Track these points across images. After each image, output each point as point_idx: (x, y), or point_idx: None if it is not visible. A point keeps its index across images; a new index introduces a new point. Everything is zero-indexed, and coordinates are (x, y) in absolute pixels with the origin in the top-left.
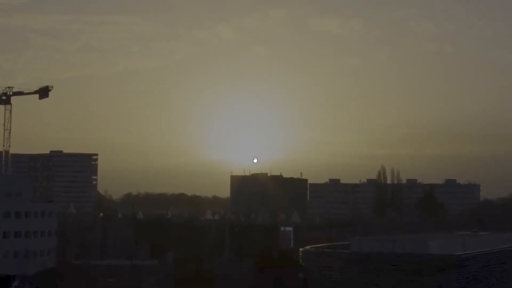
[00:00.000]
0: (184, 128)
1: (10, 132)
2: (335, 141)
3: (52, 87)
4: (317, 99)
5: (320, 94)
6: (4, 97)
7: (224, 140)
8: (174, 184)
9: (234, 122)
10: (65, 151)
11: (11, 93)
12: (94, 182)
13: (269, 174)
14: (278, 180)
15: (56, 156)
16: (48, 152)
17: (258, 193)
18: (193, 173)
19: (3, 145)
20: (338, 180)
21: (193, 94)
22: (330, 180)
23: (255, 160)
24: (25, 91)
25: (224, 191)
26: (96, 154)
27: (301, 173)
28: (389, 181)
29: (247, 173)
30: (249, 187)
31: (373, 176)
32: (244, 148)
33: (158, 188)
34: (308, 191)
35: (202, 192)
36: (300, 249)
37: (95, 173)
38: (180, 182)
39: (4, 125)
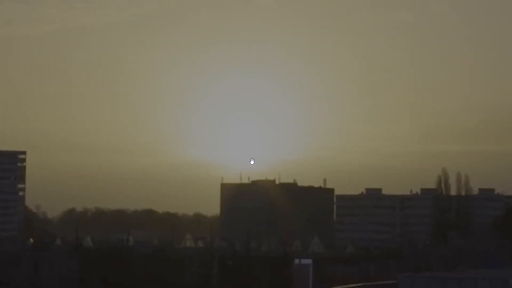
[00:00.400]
0: (152, 116)
1: None
2: (373, 133)
3: None
4: (347, 72)
5: (351, 65)
6: None
7: (210, 132)
8: (138, 196)
9: (225, 105)
10: None
11: None
12: (20, 193)
13: (277, 182)
14: (291, 190)
15: None
16: None
17: (261, 209)
18: (165, 180)
19: None
20: (379, 190)
21: (165, 65)
22: (368, 190)
23: (252, 162)
24: None
25: (211, 207)
26: (24, 152)
27: (325, 180)
28: (453, 192)
29: (244, 180)
30: (248, 201)
31: (431, 184)
32: (241, 144)
33: (114, 202)
34: (335, 206)
35: (180, 208)
36: None
37: (22, 179)
38: (147, 193)
39: None
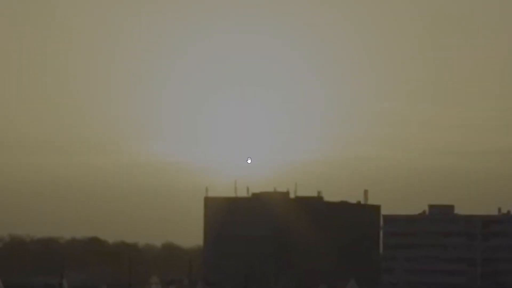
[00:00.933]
0: (96, 98)
1: None
2: (441, 119)
3: None
4: (401, 27)
5: (408, 16)
6: None
7: (189, 120)
8: (76, 217)
9: (210, 81)
10: None
11: None
12: None
13: (292, 195)
14: (313, 208)
15: None
16: None
17: (267, 237)
18: (119, 193)
19: None
20: (450, 208)
21: (117, 16)
22: (432, 208)
23: (249, 161)
24: None
25: (190, 233)
26: None
27: (366, 193)
28: None
29: (241, 193)
30: (246, 224)
31: None
32: (234, 138)
33: (41, 227)
34: (381, 233)
35: (141, 236)
36: None
37: None
38: (90, 213)
39: None
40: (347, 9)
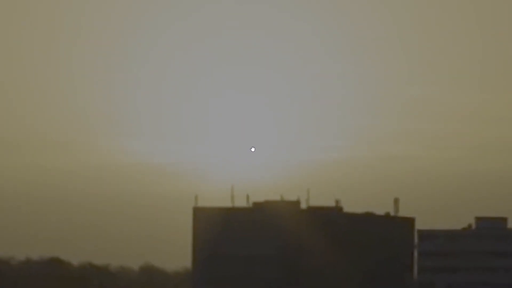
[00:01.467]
0: (60, 82)
1: None
2: (489, 111)
3: None
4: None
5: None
6: None
7: (176, 114)
8: (31, 234)
9: (201, 63)
10: None
11: None
12: None
13: (304, 205)
14: (331, 221)
15: None
16: None
17: (273, 256)
18: (86, 202)
19: None
20: (503, 220)
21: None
22: (481, 220)
23: (253, 149)
24: None
25: (175, 253)
26: None
27: (396, 202)
28: None
29: (240, 202)
30: (246, 240)
31: None
32: (231, 133)
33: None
34: (416, 251)
35: (114, 257)
36: None
37: None
38: (48, 229)
39: None
40: None
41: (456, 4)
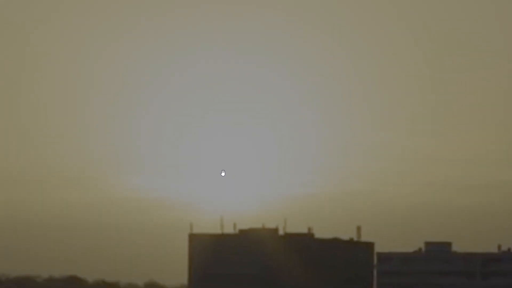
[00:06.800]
0: (77, 129)
1: None
2: (441, 153)
3: None
4: (401, 56)
5: (402, 43)
6: None
7: (172, 151)
8: (54, 255)
9: (194, 108)
10: None
11: None
12: None
13: (281, 232)
14: (304, 245)
15: None
16: None
17: (256, 276)
18: (99, 229)
19: None
20: (448, 245)
21: (96, 45)
22: (429, 245)
23: (223, 174)
24: None
25: (174, 272)
26: None
27: (359, 230)
28: None
29: (228, 229)
30: (234, 263)
31: None
32: (220, 170)
33: (17, 265)
34: (375, 271)
35: (122, 275)
36: None
37: None
38: (68, 250)
39: None
40: (340, 37)
41: (409, 63)
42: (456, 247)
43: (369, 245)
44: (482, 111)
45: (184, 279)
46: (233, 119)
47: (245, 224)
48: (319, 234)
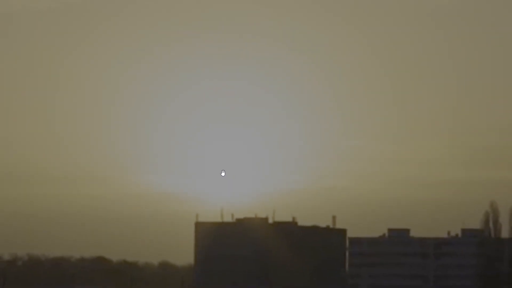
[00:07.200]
0: (102, 134)
1: None
2: (400, 156)
3: None
4: (366, 76)
5: (372, 66)
6: None
7: (181, 154)
8: (84, 240)
9: (200, 120)
10: None
11: None
12: None
13: (271, 220)
14: (289, 231)
15: None
16: None
17: (249, 257)
18: (121, 219)
19: None
20: (406, 231)
21: (117, 66)
22: (392, 231)
23: (223, 174)
24: None
25: (183, 253)
26: None
27: (334, 218)
28: (505, 233)
29: (227, 218)
30: (231, 246)
31: (475, 223)
32: (221, 170)
33: (53, 247)
34: (347, 253)
35: (140, 256)
36: None
37: None
38: (96, 236)
39: None
40: (319, 63)
41: (376, 85)
42: (413, 233)
43: (342, 231)
44: (435, 122)
45: (191, 259)
46: (231, 128)
47: (241, 214)
48: (301, 222)
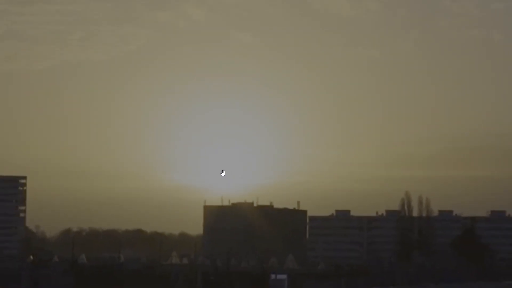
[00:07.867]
0: (140, 143)
1: None
2: (344, 160)
3: None
4: (321, 104)
5: (325, 97)
6: None
7: (194, 159)
8: (127, 217)
9: (207, 134)
10: None
11: None
12: (21, 215)
13: (255, 204)
14: (268, 212)
15: None
16: None
17: (240, 229)
18: (152, 203)
19: None
20: (348, 211)
21: (152, 97)
22: (338, 212)
23: (223, 174)
24: None
25: (195, 227)
26: (25, 177)
27: (299, 203)
28: (415, 213)
29: (225, 203)
30: (228, 222)
31: (395, 206)
32: (221, 170)
33: (106, 222)
34: (307, 226)
35: (166, 228)
36: None
37: (23, 202)
38: (135, 214)
39: None
40: (288, 95)
41: (325, 106)
42: (353, 213)
43: (304, 212)
44: (368, 135)
45: (201, 230)
46: (228, 140)
47: (235, 200)
48: (276, 205)
